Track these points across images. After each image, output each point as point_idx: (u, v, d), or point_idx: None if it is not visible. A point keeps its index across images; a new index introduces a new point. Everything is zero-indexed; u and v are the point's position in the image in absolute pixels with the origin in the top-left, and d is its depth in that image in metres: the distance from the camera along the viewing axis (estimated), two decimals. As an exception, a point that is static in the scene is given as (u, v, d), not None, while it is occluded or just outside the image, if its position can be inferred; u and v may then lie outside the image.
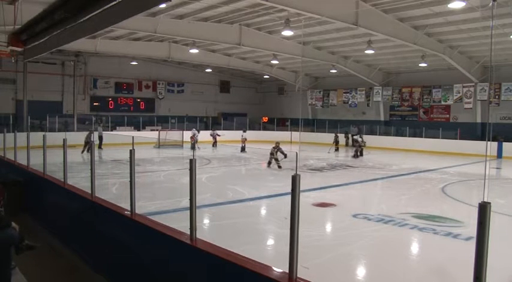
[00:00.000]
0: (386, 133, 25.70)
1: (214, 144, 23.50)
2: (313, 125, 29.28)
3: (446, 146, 21.76)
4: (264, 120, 33.01)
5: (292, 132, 27.33)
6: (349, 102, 27.66)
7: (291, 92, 30.81)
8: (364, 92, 26.81)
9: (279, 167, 13.52)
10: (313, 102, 30.02)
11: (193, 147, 20.88)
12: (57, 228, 6.73)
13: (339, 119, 28.03)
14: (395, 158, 19.76)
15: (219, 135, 23.67)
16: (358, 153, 18.15)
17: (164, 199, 8.95)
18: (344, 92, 27.90)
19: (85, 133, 18.32)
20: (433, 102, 24.13)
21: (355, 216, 7.82)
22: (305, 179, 10.66)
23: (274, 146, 13.75)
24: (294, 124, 28.50)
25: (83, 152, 16.78)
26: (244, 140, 21.06)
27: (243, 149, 20.52)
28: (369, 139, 24.88)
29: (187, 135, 22.64)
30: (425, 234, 6.72)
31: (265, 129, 30.58)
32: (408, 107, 25.57)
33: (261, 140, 26.49)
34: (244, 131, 22.35)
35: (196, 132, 22.41)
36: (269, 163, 13.53)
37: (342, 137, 23.50)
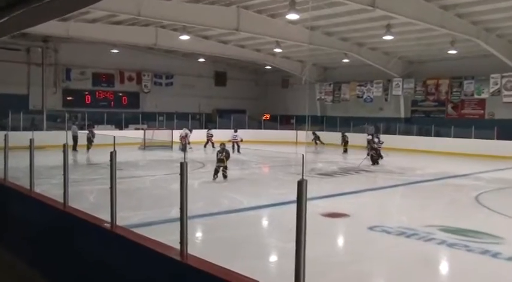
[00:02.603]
0: (408, 132, 25.64)
1: (207, 144, 23.63)
2: (322, 122, 29.25)
3: (480, 147, 21.30)
4: (266, 117, 33.01)
5: (298, 132, 27.30)
6: (364, 97, 27.65)
7: (297, 85, 30.79)
8: (381, 85, 26.80)
9: (225, 177, 12.60)
10: (322, 97, 29.99)
11: (183, 149, 20.86)
12: (21, 245, 6.63)
13: (351, 116, 28.03)
14: (418, 161, 19.72)
15: (211, 135, 23.86)
16: (375, 157, 17.74)
17: (150, 208, 8.92)
18: (358, 85, 27.89)
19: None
20: (464, 96, 23.92)
21: (371, 228, 7.79)
22: (313, 185, 10.46)
23: (219, 149, 12.86)
24: (300, 122, 28.46)
25: (88, 149, 17.68)
26: (237, 141, 21.10)
27: (238, 151, 20.68)
28: (387, 139, 24.72)
29: (177, 135, 22.67)
30: (457, 252, 6.59)
31: (267, 127, 30.57)
32: (434, 102, 25.47)
33: (262, 140, 26.47)
34: (236, 131, 22.44)
35: (188, 131, 22.38)
36: (216, 172, 12.57)
37: (356, 137, 23.32)
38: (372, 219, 8.45)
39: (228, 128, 27.53)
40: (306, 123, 25.54)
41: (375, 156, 17.52)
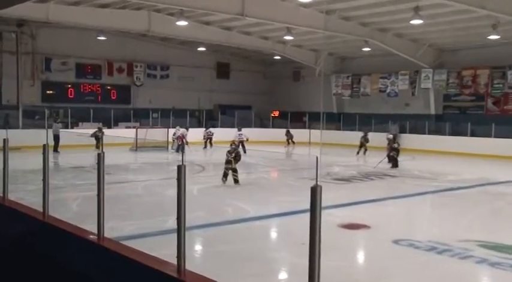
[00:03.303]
0: (439, 131, 25.48)
1: (207, 145, 23.75)
2: (339, 120, 29.21)
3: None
4: (275, 114, 32.98)
5: (312, 131, 27.20)
6: (387, 91, 27.56)
7: (310, 78, 30.75)
8: (407, 77, 26.66)
9: (236, 181, 12.74)
10: (339, 91, 29.92)
11: (180, 150, 20.88)
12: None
13: (373, 113, 27.92)
14: (451, 164, 19.61)
15: (212, 134, 23.91)
16: (394, 159, 17.74)
17: (143, 218, 8.94)
18: (380, 77, 27.80)
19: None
20: (508, 89, 23.60)
21: (396, 242, 7.73)
22: (329, 192, 10.32)
23: (230, 149, 12.97)
24: (313, 119, 28.43)
25: (98, 147, 17.95)
26: (243, 140, 21.29)
27: (244, 151, 20.83)
28: (414, 140, 24.74)
29: (172, 134, 22.78)
30: (501, 273, 6.40)
31: (276, 126, 30.58)
32: (471, 96, 25.16)
33: (270, 141, 26.48)
34: (240, 130, 22.59)
35: (185, 130, 22.47)
36: (225, 175, 12.77)
37: (380, 137, 23.11)
38: (398, 232, 8.39)
39: (232, 126, 27.57)
40: (320, 121, 25.42)
41: (395, 157, 17.50)
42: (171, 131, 23.22)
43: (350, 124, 28.11)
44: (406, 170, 17.10)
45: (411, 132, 25.57)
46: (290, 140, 26.63)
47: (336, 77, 30.01)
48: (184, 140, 20.94)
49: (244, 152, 20.75)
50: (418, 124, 26.02)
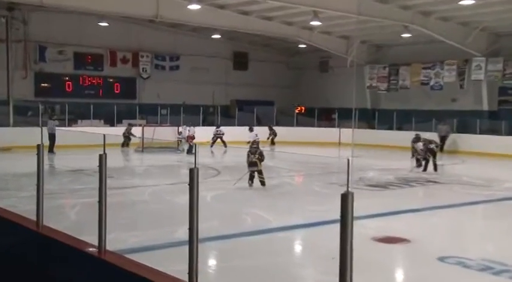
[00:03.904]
0: (493, 131, 25.00)
1: (214, 144, 24.08)
2: (374, 118, 29.03)
3: None
4: (299, 111, 32.87)
5: (342, 130, 27.06)
6: (431, 84, 27.25)
7: (340, 69, 30.54)
8: (455, 67, 26.31)
9: (262, 184, 13.16)
10: (374, 84, 29.71)
11: (191, 151, 20.98)
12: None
13: (413, 109, 27.65)
14: (507, 169, 19.36)
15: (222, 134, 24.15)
16: (425, 163, 17.68)
17: (150, 228, 8.96)
18: (423, 68, 27.53)
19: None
20: None
21: (442, 259, 7.58)
22: (362, 200, 10.20)
23: (250, 149, 13.37)
24: (343, 117, 28.19)
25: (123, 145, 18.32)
26: (259, 141, 21.36)
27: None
28: (464, 140, 24.39)
29: (179, 132, 23.00)
30: None
31: (301, 124, 30.54)
32: (533, 89, 24.79)
33: (294, 141, 26.40)
34: (252, 130, 22.72)
35: (192, 128, 22.59)
36: (251, 178, 13.14)
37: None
38: (443, 247, 8.24)
39: (251, 124, 27.60)
40: (352, 118, 25.22)
41: (428, 159, 17.43)
42: (183, 129, 23.34)
43: (386, 122, 27.88)
44: (453, 175, 16.88)
45: (459, 131, 25.16)
46: (272, 139, 26.15)
47: (371, 67, 29.78)
48: (193, 140, 21.07)
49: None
50: (467, 122, 25.59)
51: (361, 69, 29.38)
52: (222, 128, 25.14)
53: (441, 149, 23.99)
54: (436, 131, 24.47)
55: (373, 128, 28.49)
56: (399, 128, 26.29)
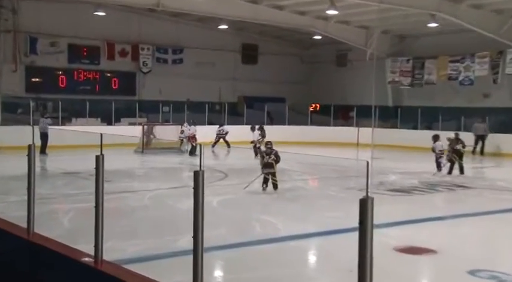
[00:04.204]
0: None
1: (216, 144, 24.04)
2: (396, 116, 28.93)
3: None
4: (314, 108, 32.79)
5: (360, 129, 26.94)
6: (460, 78, 27.11)
7: (359, 63, 30.50)
8: (488, 60, 26.15)
9: (275, 186, 13.26)
10: (396, 79, 29.59)
11: (193, 152, 21.03)
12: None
13: (440, 107, 27.52)
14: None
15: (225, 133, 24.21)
16: (451, 164, 17.67)
17: (150, 236, 8.94)
18: (451, 61, 27.39)
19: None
20: None
21: (473, 273, 7.48)
22: (382, 206, 10.16)
23: (265, 150, 13.51)
24: (362, 115, 28.10)
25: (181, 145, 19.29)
26: (257, 142, 21.60)
27: (257, 154, 21.11)
28: (499, 141, 24.14)
29: (180, 131, 22.93)
30: None
31: (315, 123, 30.51)
32: None
33: (308, 141, 26.43)
34: (254, 129, 22.65)
35: (193, 127, 22.49)
36: (266, 181, 13.22)
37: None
38: (474, 260, 8.14)
39: (261, 123, 27.51)
40: (372, 117, 25.12)
41: (453, 160, 17.40)
42: (187, 129, 23.30)
43: (410, 120, 27.77)
44: (486, 179, 16.78)
45: (493, 131, 24.92)
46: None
47: (393, 61, 29.67)
48: (195, 140, 21.06)
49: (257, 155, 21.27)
50: (502, 121, 25.44)
51: (382, 62, 29.29)
52: (226, 127, 25.13)
53: (481, 152, 23.85)
54: (472, 130, 24.22)
55: (395, 127, 28.38)
56: (426, 127, 26.06)
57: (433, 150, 17.94)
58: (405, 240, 9.04)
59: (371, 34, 28.83)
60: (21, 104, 25.48)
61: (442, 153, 17.74)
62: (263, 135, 25.52)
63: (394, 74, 29.64)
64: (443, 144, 17.87)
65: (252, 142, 21.95)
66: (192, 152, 21.49)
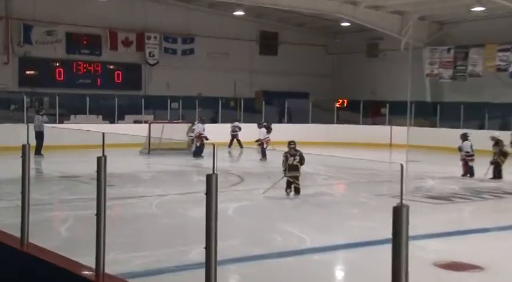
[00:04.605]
0: None
1: (232, 143, 24.15)
2: (435, 113, 28.78)
3: None
4: (341, 104, 32.69)
5: (394, 128, 26.84)
6: (510, 70, 26.91)
7: (392, 53, 30.39)
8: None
9: (297, 191, 13.47)
10: (435, 71, 29.41)
11: (198, 153, 21.16)
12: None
13: (486, 102, 27.36)
14: None
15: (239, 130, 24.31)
16: (494, 166, 17.55)
17: (158, 247, 8.96)
18: (499, 50, 27.21)
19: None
20: None
21: (524, 292, 7.43)
22: (420, 215, 10.19)
23: (289, 151, 13.54)
24: (396, 112, 28.03)
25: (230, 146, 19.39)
26: (264, 141, 21.70)
27: (264, 155, 21.53)
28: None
29: (190, 129, 23.06)
30: None
31: (342, 120, 30.46)
32: None
33: (334, 142, 26.44)
34: (261, 126, 22.74)
35: (201, 125, 22.39)
36: (288, 185, 13.37)
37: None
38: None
39: (281, 121, 27.56)
40: (407, 114, 25.02)
41: (500, 163, 17.28)
42: (198, 127, 23.34)
43: (451, 118, 27.54)
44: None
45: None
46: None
47: (431, 50, 29.49)
48: (203, 139, 21.05)
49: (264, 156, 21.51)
50: None
51: (419, 52, 29.11)
52: (237, 124, 25.15)
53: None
54: None
55: (433, 125, 28.23)
56: (469, 125, 25.80)
57: (460, 150, 17.94)
58: (446, 254, 8.98)
59: (406, 20, 28.68)
60: (14, 99, 25.71)
61: (470, 156, 17.63)
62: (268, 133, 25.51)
63: (433, 66, 29.43)
64: (472, 144, 17.75)
65: (257, 141, 21.95)
66: (196, 153, 21.52)
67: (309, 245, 9.57)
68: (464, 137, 18.19)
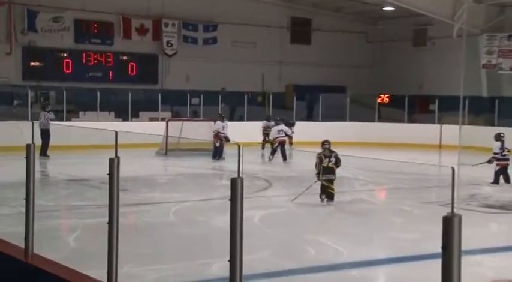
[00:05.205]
0: None
1: (265, 145, 24.03)
2: (492, 110, 28.57)
3: None
4: (383, 100, 32.51)
5: (444, 126, 26.68)
6: None
7: (443, 41, 30.24)
8: None
9: (331, 197, 13.40)
10: (493, 61, 29.10)
11: (218, 155, 21.17)
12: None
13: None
14: None
15: (291, 134, 23.99)
16: None
17: (176, 260, 9.01)
18: None
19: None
20: None
21: None
22: (475, 226, 10.19)
23: (323, 151, 13.44)
24: (447, 109, 27.77)
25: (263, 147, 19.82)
26: (283, 141, 21.67)
27: (273, 153, 21.73)
28: None
29: (208, 128, 23.01)
30: None
31: (385, 118, 30.34)
32: None
33: (375, 142, 26.43)
34: (279, 122, 22.70)
35: (219, 123, 22.22)
36: (323, 190, 13.35)
37: None
38: None
39: (313, 118, 27.48)
40: (459, 110, 24.85)
41: None
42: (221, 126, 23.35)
43: (511, 115, 27.18)
44: None
45: None
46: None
47: (489, 38, 29.16)
48: (223, 139, 21.05)
49: (284, 159, 21.54)
50: None
51: (474, 40, 28.89)
52: (267, 122, 25.12)
53: None
54: None
55: (491, 124, 27.89)
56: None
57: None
58: (506, 272, 8.89)
59: (460, 3, 28.40)
60: (17, 94, 26.00)
61: (498, 158, 17.33)
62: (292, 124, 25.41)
63: (491, 55, 29.13)
64: (504, 145, 17.49)
65: (267, 139, 21.83)
66: (215, 155, 21.56)
67: (345, 258, 9.48)
68: (497, 137, 17.99)
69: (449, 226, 2.99)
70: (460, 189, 13.60)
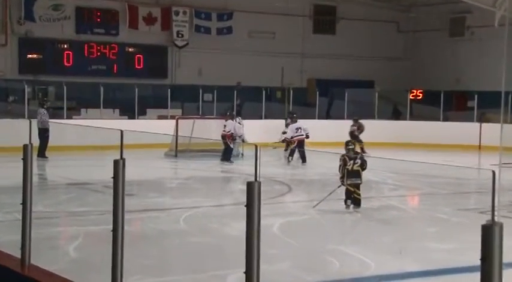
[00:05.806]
0: None
1: (288, 146, 23.83)
2: (537, 107, 28.27)
3: None
4: (415, 96, 32.40)
5: (484, 125, 26.60)
6: None
7: (483, 30, 30.06)
8: None
9: (357, 203, 13.36)
10: (538, 54, 28.89)
11: (227, 155, 21.20)
12: None
13: None
14: None
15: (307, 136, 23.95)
16: None
17: (187, 271, 9.02)
18: None
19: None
20: None
21: None
22: None
23: (347, 153, 13.40)
24: (487, 106, 27.68)
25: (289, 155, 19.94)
26: (302, 140, 21.73)
27: (292, 153, 21.68)
28: None
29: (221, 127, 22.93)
30: None
31: (417, 116, 30.29)
32: None
33: (406, 143, 26.38)
34: (294, 119, 22.69)
35: (231, 122, 22.13)
36: (348, 195, 13.30)
37: None
38: None
39: (339, 116, 27.45)
40: (501, 107, 24.70)
41: None
42: (237, 124, 23.33)
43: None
44: None
45: None
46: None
47: (533, 28, 28.99)
48: (236, 139, 21.07)
49: (304, 160, 21.49)
50: None
51: (516, 30, 28.69)
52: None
53: None
54: None
55: (533, 124, 27.75)
56: None
57: None
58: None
59: (501, -10, 28.29)
60: (13, 89, 26.15)
61: None
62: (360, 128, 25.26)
63: (535, 47, 28.96)
64: None
65: (307, 137, 21.96)
66: (225, 156, 21.51)
67: (373, 271, 9.47)
68: None
69: (489, 235, 2.97)
70: (501, 195, 13.48)
